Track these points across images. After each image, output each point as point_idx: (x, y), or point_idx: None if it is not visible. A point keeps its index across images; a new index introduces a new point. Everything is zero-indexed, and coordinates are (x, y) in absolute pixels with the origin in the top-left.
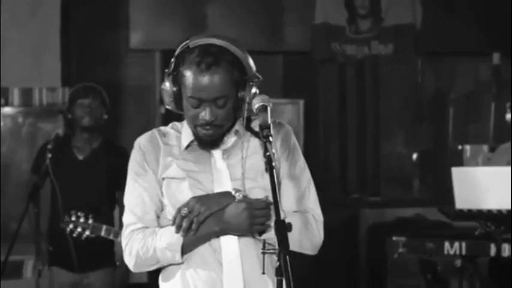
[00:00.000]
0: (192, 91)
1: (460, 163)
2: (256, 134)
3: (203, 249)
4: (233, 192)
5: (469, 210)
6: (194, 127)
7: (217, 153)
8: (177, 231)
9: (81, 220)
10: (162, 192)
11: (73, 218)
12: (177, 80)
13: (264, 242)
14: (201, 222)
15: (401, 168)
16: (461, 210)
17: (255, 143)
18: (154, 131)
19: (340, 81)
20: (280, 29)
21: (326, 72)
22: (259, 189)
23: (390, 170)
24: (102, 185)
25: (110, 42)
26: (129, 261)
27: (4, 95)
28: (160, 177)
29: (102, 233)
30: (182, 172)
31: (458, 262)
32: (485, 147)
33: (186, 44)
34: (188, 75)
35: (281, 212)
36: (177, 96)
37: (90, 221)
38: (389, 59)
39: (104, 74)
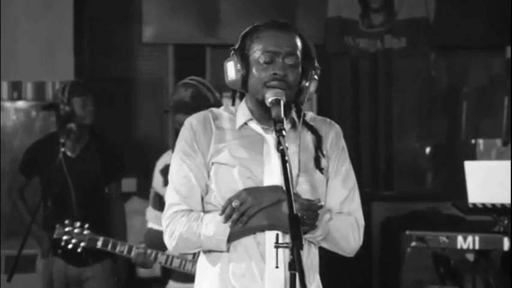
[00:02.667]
0: (266, 44)
1: (473, 157)
2: (310, 128)
3: (247, 241)
4: (284, 188)
5: (482, 204)
6: (263, 87)
7: (270, 138)
8: (225, 222)
9: (76, 231)
10: (209, 176)
11: (67, 229)
12: (246, 50)
13: (277, 236)
14: (252, 215)
15: (414, 162)
16: (474, 204)
17: (308, 138)
18: (208, 112)
19: (353, 75)
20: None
21: (339, 66)
22: (306, 185)
23: (403, 164)
24: (97, 181)
25: (122, 36)
26: (170, 242)
27: (17, 89)
28: (210, 162)
29: (99, 245)
30: (233, 159)
31: (471, 256)
32: (499, 141)
33: (254, 24)
34: (262, 34)
35: (294, 206)
36: (245, 65)
37: (85, 232)
38: (402, 52)
39: (116, 67)
